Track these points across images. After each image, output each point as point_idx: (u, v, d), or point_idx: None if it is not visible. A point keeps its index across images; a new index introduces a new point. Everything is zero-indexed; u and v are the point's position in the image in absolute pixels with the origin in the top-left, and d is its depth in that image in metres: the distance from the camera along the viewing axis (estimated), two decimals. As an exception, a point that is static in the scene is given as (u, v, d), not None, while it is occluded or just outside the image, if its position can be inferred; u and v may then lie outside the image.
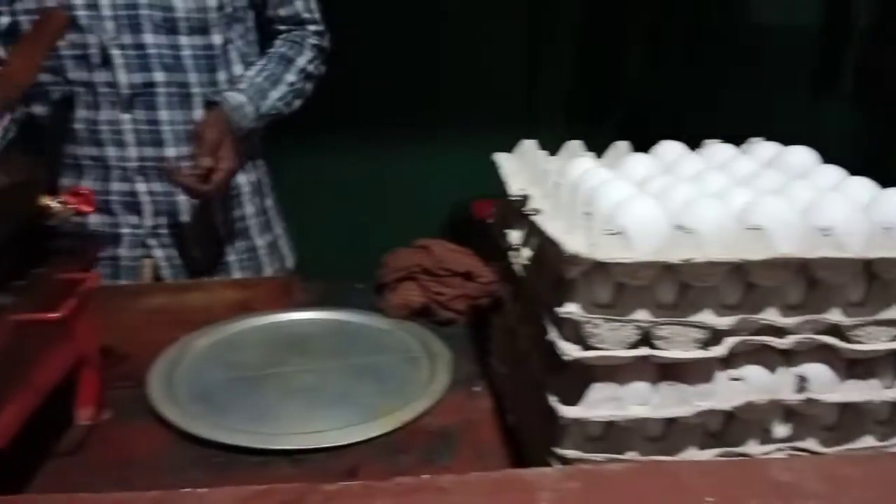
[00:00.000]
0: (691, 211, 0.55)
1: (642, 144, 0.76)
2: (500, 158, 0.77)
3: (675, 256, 0.51)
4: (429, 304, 0.96)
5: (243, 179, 1.17)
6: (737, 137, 0.77)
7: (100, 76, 1.03)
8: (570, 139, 0.77)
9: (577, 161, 0.67)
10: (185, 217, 1.11)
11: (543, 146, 0.79)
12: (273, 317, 0.94)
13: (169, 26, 1.02)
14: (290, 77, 1.14)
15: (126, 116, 1.05)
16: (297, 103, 1.16)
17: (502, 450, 0.70)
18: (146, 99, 1.04)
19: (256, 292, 1.03)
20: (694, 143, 0.75)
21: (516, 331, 0.70)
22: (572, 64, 2.59)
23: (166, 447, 0.70)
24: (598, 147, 0.78)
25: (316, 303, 0.99)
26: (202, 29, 1.05)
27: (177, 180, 1.01)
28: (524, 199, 0.65)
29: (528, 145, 0.77)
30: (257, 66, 1.13)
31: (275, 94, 1.12)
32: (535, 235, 0.63)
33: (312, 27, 1.18)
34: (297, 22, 1.17)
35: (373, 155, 2.25)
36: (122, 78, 1.03)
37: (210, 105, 1.07)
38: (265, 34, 1.18)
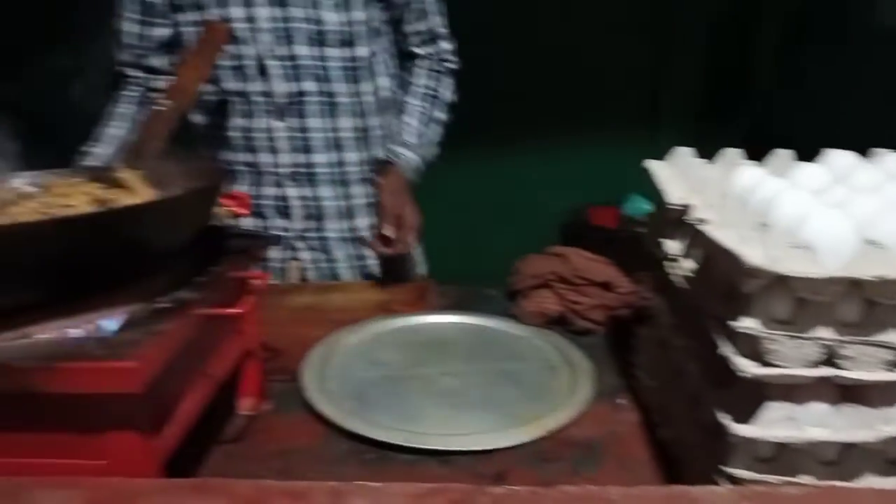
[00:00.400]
0: (878, 225, 0.52)
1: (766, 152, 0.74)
2: (654, 166, 0.75)
3: (866, 272, 0.49)
4: (565, 313, 0.96)
5: None
6: (866, 149, 0.73)
7: (255, 86, 1.08)
8: (692, 145, 0.75)
9: (742, 170, 0.65)
10: (331, 222, 1.16)
11: (663, 153, 0.77)
12: (412, 319, 0.97)
13: (320, 38, 1.07)
14: (440, 115, 1.21)
15: (280, 124, 1.10)
16: (443, 137, 1.22)
17: (651, 464, 0.69)
18: (298, 108, 1.09)
19: (395, 295, 1.06)
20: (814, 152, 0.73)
21: (670, 343, 0.68)
22: (697, 70, 2.50)
23: (320, 440, 0.73)
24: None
25: (451, 307, 1.01)
26: (349, 41, 1.09)
27: (373, 249, 1.10)
28: (686, 209, 0.63)
29: (683, 152, 0.75)
30: (412, 109, 1.19)
31: (432, 137, 1.20)
32: (700, 246, 0.61)
33: (445, 44, 1.21)
34: (432, 38, 1.20)
35: (488, 162, 2.26)
36: (278, 88, 1.08)
37: (384, 165, 1.13)
38: (400, 49, 1.21)
